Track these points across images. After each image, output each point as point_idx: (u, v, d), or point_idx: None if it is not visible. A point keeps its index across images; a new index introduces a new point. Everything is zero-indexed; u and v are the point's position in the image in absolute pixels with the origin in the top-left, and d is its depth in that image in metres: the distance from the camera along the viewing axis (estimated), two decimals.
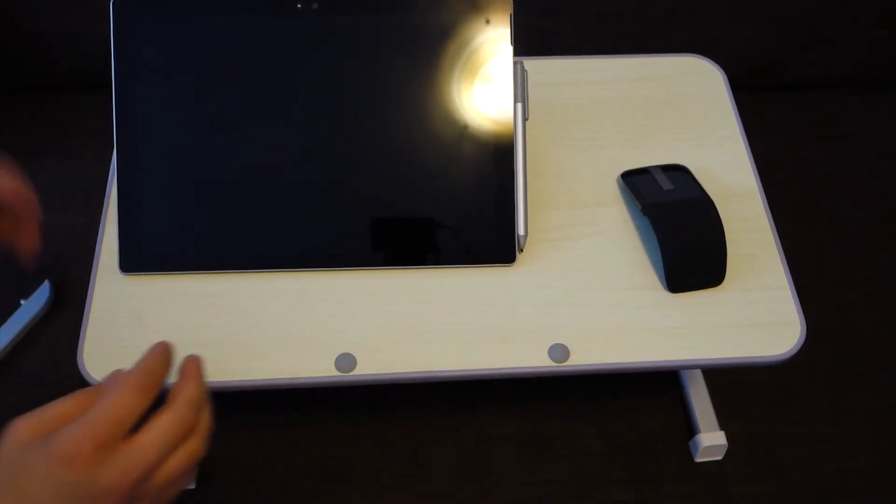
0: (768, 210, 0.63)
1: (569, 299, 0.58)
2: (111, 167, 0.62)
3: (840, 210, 0.87)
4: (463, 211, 0.58)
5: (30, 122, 0.90)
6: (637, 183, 0.62)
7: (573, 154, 0.65)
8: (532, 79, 0.67)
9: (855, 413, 0.74)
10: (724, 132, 0.67)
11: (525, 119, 0.58)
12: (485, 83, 0.58)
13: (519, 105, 0.58)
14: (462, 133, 0.58)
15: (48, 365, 0.72)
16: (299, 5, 0.57)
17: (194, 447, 0.45)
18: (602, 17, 0.88)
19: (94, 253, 0.59)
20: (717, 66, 0.71)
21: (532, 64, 0.69)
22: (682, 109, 0.68)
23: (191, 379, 0.46)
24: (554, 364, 0.56)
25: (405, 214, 0.57)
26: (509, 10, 0.58)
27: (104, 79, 0.88)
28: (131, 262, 0.56)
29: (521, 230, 0.58)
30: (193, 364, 0.47)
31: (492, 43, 0.58)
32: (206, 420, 0.46)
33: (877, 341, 0.78)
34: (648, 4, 0.87)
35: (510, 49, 0.58)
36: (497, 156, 0.58)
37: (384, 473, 0.69)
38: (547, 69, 0.70)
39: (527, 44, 0.89)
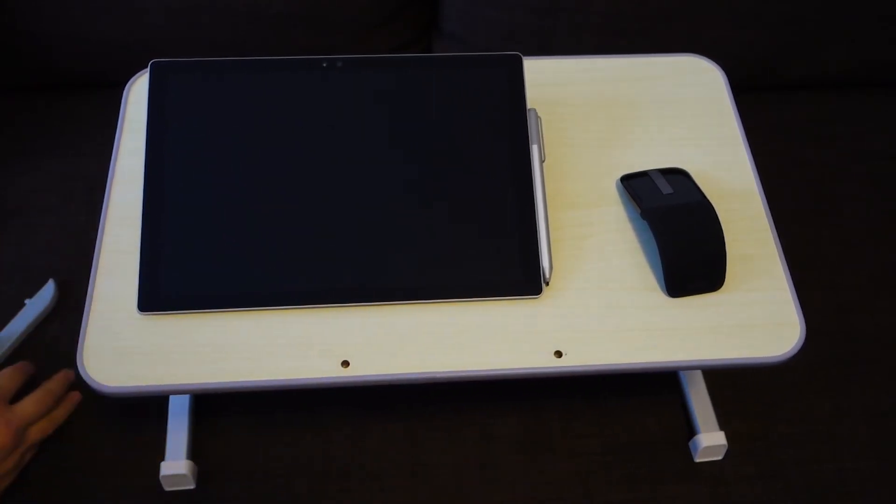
0: (768, 210, 0.63)
1: (568, 300, 0.59)
2: (111, 167, 0.62)
3: (840, 210, 0.87)
4: (486, 246, 0.58)
5: (30, 122, 0.90)
6: (636, 186, 0.62)
7: (573, 154, 0.65)
8: (532, 79, 0.67)
9: (855, 413, 0.74)
10: (723, 132, 0.67)
11: (542, 160, 0.61)
12: (503, 129, 0.61)
13: (535, 146, 0.61)
14: (483, 174, 0.60)
15: (52, 364, 0.72)
16: (325, 64, 0.61)
17: (57, 415, 0.69)
18: (602, 16, 0.87)
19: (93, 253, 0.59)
20: (717, 66, 0.71)
21: (532, 64, 0.69)
22: (682, 109, 0.68)
23: (54, 379, 0.70)
24: (553, 365, 0.56)
25: (428, 252, 0.58)
26: (521, 64, 0.62)
27: (104, 79, 0.89)
28: (150, 302, 0.56)
29: (545, 263, 0.58)
30: (61, 376, 0.70)
31: (508, 93, 0.61)
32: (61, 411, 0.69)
33: (877, 341, 0.78)
34: (648, 4, 0.87)
35: (525, 98, 0.62)
36: (518, 193, 0.59)
37: (384, 473, 0.69)
38: (547, 69, 0.70)
39: (527, 44, 0.90)
